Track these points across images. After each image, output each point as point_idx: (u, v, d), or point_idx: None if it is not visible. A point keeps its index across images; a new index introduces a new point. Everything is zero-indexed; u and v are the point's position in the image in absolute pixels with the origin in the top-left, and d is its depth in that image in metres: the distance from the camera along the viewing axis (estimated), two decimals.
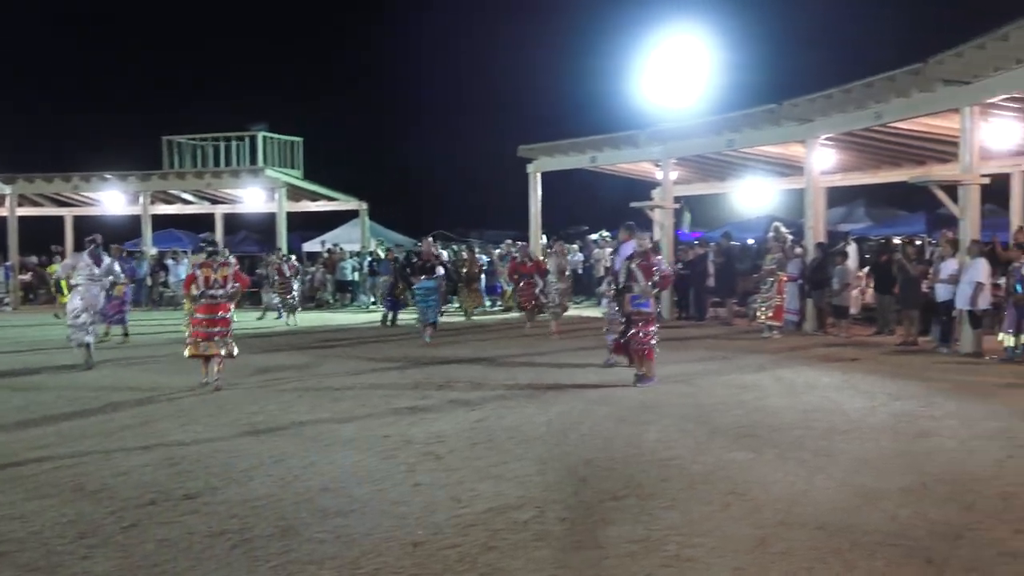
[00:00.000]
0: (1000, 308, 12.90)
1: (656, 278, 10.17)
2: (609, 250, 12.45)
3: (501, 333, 16.96)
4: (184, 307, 14.51)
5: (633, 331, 10.01)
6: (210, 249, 10.97)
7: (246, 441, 7.52)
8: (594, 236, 26.63)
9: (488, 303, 23.04)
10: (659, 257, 10.71)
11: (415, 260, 14.55)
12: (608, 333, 11.57)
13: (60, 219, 30.02)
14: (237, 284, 10.58)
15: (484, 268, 22.68)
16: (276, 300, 21.14)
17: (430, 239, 16.76)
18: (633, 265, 10.27)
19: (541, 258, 19.06)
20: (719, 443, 7.23)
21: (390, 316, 19.05)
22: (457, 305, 22.26)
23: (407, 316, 18.99)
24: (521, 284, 17.58)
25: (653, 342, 10.13)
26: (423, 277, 15.25)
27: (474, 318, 20.28)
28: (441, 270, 16.31)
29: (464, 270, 21.45)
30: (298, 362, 12.77)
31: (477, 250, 24.19)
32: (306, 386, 10.52)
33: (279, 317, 20.52)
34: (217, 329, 10.52)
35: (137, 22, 48.88)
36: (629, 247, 10.66)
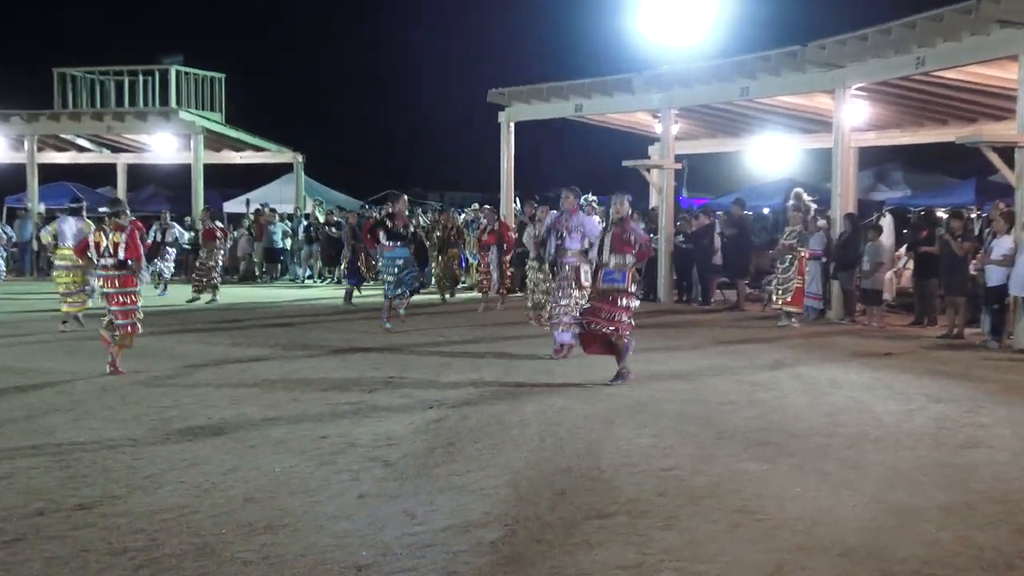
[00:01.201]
0: None
1: (635, 250, 10.20)
2: (596, 219, 12.54)
3: (467, 317, 16.97)
4: (59, 276, 14.43)
5: (606, 312, 9.98)
6: (106, 210, 10.88)
7: (154, 441, 7.48)
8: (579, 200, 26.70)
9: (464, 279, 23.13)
10: (636, 224, 10.79)
11: (387, 223, 14.13)
12: (560, 327, 11.62)
13: None
14: (133, 259, 10.51)
15: (465, 229, 21.85)
16: (168, 271, 21.03)
17: (406, 197, 16.01)
18: (607, 237, 10.32)
19: (509, 224, 19.16)
20: (726, 450, 7.29)
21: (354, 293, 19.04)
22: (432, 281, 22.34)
23: (368, 293, 18.99)
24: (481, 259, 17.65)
25: (632, 324, 10.18)
26: (396, 244, 14.32)
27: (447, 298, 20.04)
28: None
29: (438, 234, 19.73)
30: (219, 347, 12.74)
31: (455, 210, 24.19)
32: (228, 376, 10.50)
33: (161, 292, 20.38)
34: (115, 310, 10.50)
35: None
36: (583, 218, 11.37)
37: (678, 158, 21.33)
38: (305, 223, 26.24)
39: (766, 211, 26.25)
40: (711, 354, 12.47)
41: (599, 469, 6.74)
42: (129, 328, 10.63)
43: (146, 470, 6.64)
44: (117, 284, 10.59)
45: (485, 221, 18.89)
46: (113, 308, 10.59)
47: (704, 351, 12.68)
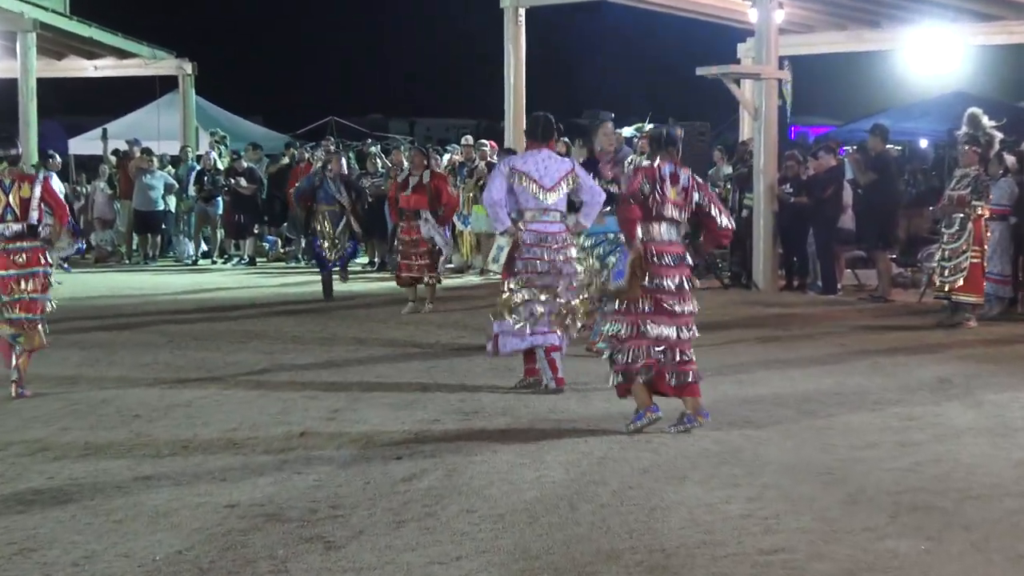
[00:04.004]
0: None
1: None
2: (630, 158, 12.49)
3: (453, 309, 16.97)
4: None
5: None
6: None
7: None
8: (626, 131, 26.50)
9: None
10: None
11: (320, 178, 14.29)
12: (533, 332, 11.44)
13: None
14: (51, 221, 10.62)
15: (453, 176, 21.96)
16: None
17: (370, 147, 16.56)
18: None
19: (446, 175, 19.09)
20: (862, 521, 7.25)
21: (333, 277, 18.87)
22: (370, 259, 22.36)
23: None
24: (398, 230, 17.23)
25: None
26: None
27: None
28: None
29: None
30: (65, 365, 12.75)
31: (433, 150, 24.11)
32: (80, 410, 10.53)
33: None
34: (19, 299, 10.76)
35: None
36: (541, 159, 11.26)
37: (783, 62, 21.21)
38: (197, 170, 26.21)
39: (923, 144, 26.21)
40: (838, 371, 12.42)
41: (663, 552, 6.70)
42: (38, 324, 10.86)
43: None
44: (24, 261, 10.70)
45: (409, 166, 18.25)
46: (17, 297, 10.74)
47: (826, 366, 12.64)
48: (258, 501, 7.68)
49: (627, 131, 25.41)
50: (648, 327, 9.50)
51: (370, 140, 29.85)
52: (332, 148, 22.18)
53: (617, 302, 9.70)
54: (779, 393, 11.07)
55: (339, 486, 8.02)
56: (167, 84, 30.54)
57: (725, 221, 9.95)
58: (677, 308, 9.57)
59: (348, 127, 33.42)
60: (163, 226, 26.72)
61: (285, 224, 25.97)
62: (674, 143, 9.92)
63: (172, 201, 26.50)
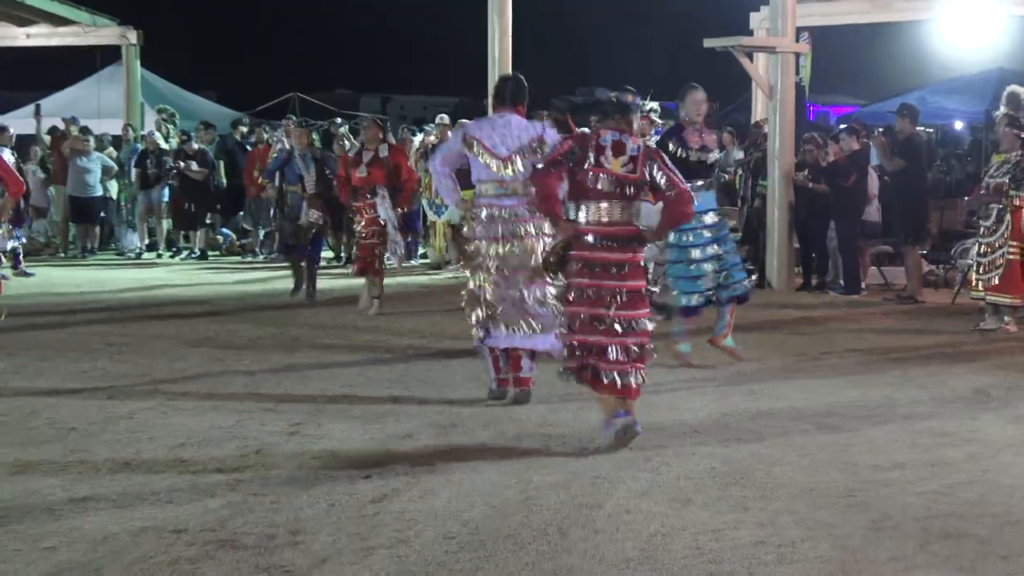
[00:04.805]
0: None
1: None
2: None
3: (420, 317, 16.98)
4: None
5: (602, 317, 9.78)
6: None
7: None
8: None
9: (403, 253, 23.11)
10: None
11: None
12: (491, 334, 11.42)
13: None
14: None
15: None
16: None
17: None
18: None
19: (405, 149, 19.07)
20: (888, 550, 7.27)
21: (305, 280, 18.62)
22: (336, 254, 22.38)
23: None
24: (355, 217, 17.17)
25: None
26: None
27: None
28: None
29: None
30: None
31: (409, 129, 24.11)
32: (9, 413, 10.56)
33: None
34: None
35: None
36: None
37: (802, 34, 21.25)
38: (141, 151, 26.13)
39: (958, 126, 26.25)
40: (861, 381, 12.45)
41: None
42: None
43: None
44: None
45: (360, 140, 18.17)
46: None
47: (849, 376, 12.67)
48: (209, 526, 7.66)
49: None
50: (581, 319, 9.55)
51: (339, 120, 29.80)
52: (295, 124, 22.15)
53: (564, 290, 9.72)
54: (795, 406, 11.08)
55: (300, 509, 8.00)
56: (109, 55, 30.50)
57: (676, 190, 9.71)
58: (620, 299, 9.52)
59: (313, 104, 33.42)
60: (103, 215, 26.65)
61: (241, 213, 25.94)
62: (625, 111, 9.81)
63: (113, 187, 26.44)
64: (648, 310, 9.76)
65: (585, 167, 9.53)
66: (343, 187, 17.37)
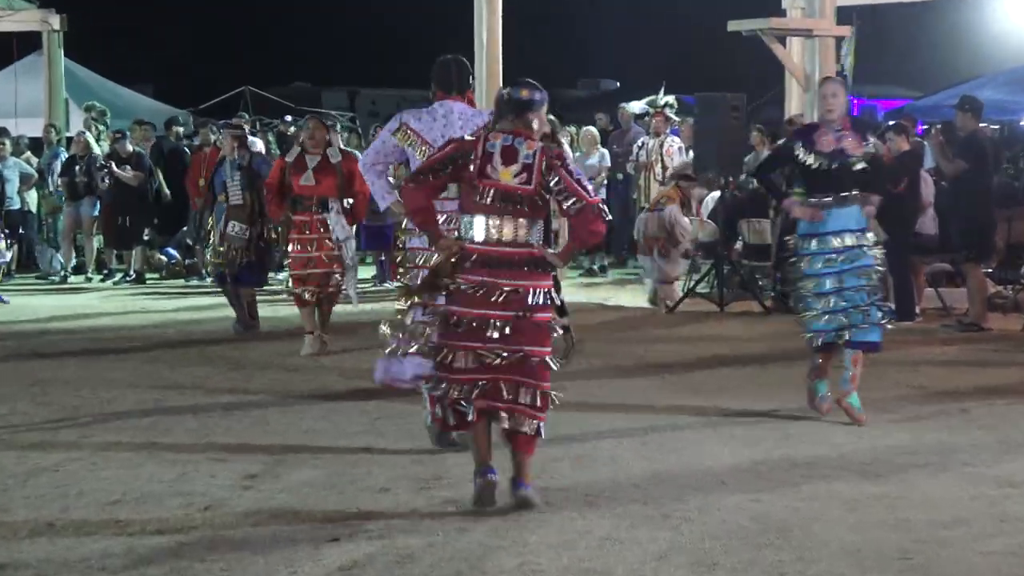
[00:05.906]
0: None
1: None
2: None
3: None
4: None
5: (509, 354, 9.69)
6: None
7: None
8: (635, 106, 26.58)
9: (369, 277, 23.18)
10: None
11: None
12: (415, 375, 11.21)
13: None
14: None
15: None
16: None
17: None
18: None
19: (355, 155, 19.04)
20: None
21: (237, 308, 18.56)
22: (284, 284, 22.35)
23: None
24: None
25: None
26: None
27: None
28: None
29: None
30: None
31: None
32: None
33: None
34: None
35: None
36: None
37: (844, 15, 21.29)
38: (67, 157, 26.11)
39: None
40: (915, 422, 12.48)
41: None
42: None
43: None
44: None
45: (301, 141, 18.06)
46: None
47: (900, 415, 12.71)
48: None
49: (635, 107, 25.58)
50: (457, 355, 9.38)
51: (288, 117, 29.84)
52: (234, 124, 21.97)
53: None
54: (838, 452, 11.09)
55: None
56: (27, 43, 30.53)
57: (580, 204, 9.36)
58: (507, 331, 9.32)
59: (267, 100, 33.46)
60: (21, 231, 26.62)
61: (184, 228, 25.89)
62: (520, 109, 9.51)
63: (32, 198, 26.42)
64: (549, 348, 9.55)
65: (467, 177, 9.42)
66: (272, 197, 16.91)
